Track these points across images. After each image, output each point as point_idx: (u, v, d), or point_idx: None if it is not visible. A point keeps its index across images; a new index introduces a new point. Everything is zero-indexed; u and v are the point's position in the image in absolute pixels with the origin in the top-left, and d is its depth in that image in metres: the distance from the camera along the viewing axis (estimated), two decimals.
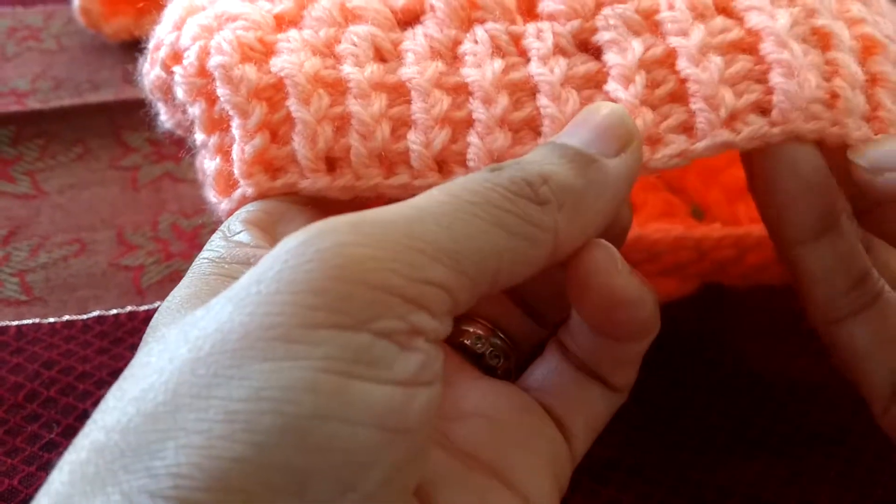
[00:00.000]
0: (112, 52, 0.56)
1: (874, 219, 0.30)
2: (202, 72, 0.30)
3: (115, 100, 0.53)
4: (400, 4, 0.30)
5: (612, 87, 0.28)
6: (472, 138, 0.28)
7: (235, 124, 0.29)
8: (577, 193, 0.24)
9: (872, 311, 0.30)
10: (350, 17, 0.30)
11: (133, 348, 0.38)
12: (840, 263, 0.30)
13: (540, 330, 0.31)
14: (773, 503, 0.33)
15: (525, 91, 0.28)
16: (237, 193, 0.29)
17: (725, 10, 0.29)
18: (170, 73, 0.31)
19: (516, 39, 0.29)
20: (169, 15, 0.32)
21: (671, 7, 0.28)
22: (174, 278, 0.42)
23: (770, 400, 0.37)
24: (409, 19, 0.30)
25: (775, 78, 0.28)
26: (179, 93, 0.31)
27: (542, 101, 0.28)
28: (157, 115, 0.35)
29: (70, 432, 0.35)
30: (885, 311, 0.30)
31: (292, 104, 0.28)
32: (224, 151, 0.30)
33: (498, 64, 0.28)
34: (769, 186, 0.29)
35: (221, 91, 0.29)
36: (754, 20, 0.28)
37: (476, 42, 0.29)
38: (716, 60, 0.28)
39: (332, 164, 0.29)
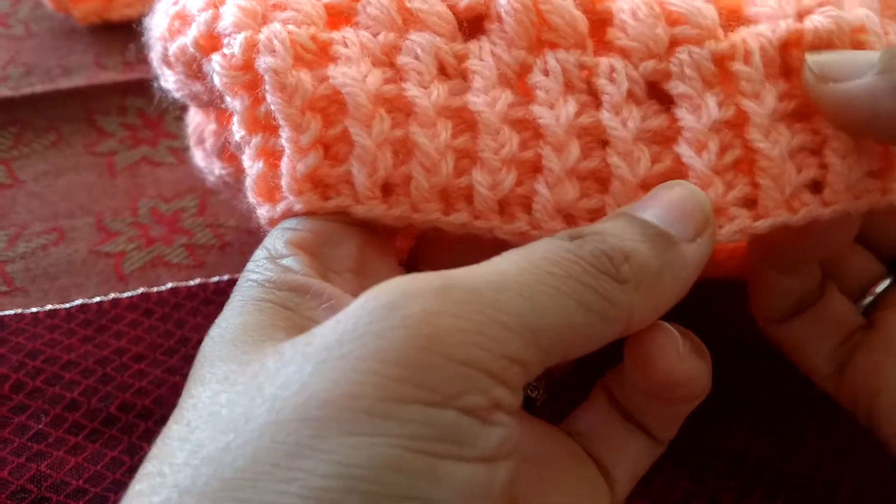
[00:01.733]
0: (82, 35, 0.55)
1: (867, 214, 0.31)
2: (248, 66, 0.28)
3: (88, 84, 0.52)
4: (463, 4, 0.28)
5: (684, 150, 0.27)
6: (541, 188, 0.27)
7: (286, 136, 0.27)
8: (655, 276, 0.24)
9: (810, 311, 0.32)
10: (409, 18, 0.28)
11: (117, 336, 0.38)
12: (799, 286, 0.32)
13: (571, 363, 0.31)
14: (780, 469, 0.34)
15: (594, 138, 0.27)
16: (282, 205, 0.28)
17: (786, 66, 0.28)
18: (204, 53, 0.29)
19: (588, 74, 0.28)
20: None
21: (747, 59, 0.27)
22: (156, 264, 0.42)
23: (752, 369, 0.37)
24: (472, 21, 0.28)
25: (830, 156, 0.27)
26: (217, 80, 0.28)
27: (614, 159, 0.27)
28: (154, 79, 0.34)
29: (58, 422, 0.35)
30: (823, 309, 0.32)
31: (352, 125, 0.27)
32: (268, 155, 0.28)
33: (572, 107, 0.27)
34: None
35: (272, 98, 0.27)
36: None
37: (547, 74, 0.27)
38: (785, 134, 0.27)
39: (387, 189, 0.28)
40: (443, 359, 0.20)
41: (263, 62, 0.27)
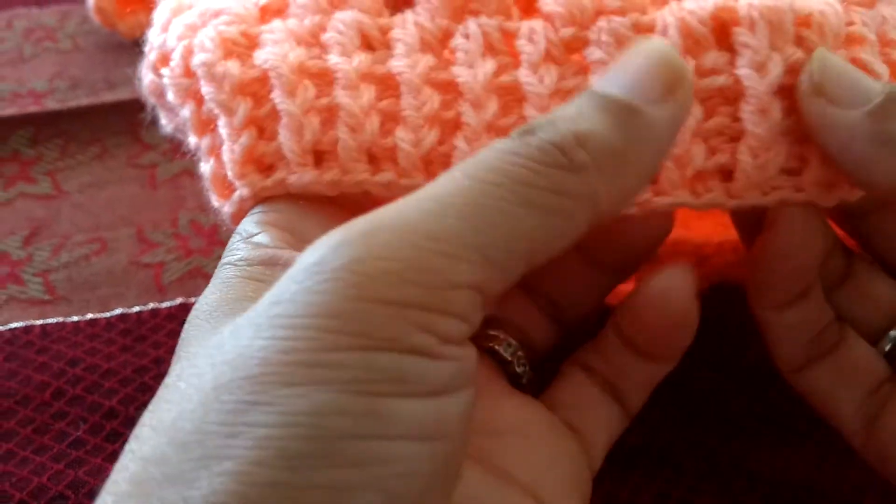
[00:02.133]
0: (128, 49, 0.56)
1: (871, 224, 0.30)
2: (188, 72, 0.29)
3: (132, 98, 0.52)
4: None
5: None
6: (460, 142, 0.27)
7: (222, 123, 0.28)
8: (618, 152, 0.22)
9: (833, 355, 0.30)
10: (336, 2, 0.29)
11: (156, 346, 0.39)
12: (804, 323, 0.29)
13: (559, 337, 0.31)
14: (801, 487, 0.33)
15: (514, 96, 0.27)
16: (235, 196, 0.29)
17: (723, 41, 0.26)
18: (160, 76, 0.30)
19: (509, 38, 0.28)
20: (158, 17, 0.31)
21: (665, 31, 0.26)
22: (194, 275, 0.43)
23: None
24: (403, 1, 0.29)
25: (742, 152, 0.26)
26: (170, 95, 0.30)
27: (530, 111, 0.27)
28: (158, 119, 0.35)
29: (97, 429, 0.35)
30: (846, 352, 0.30)
31: (277, 96, 0.28)
32: (216, 153, 0.29)
33: (490, 65, 0.27)
34: (767, 258, 0.28)
35: (205, 89, 0.28)
36: (742, 70, 0.26)
37: (468, 37, 0.28)
38: (696, 113, 0.26)
39: (319, 158, 0.28)
40: (374, 304, 0.20)
41: (195, 59, 0.28)
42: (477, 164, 0.22)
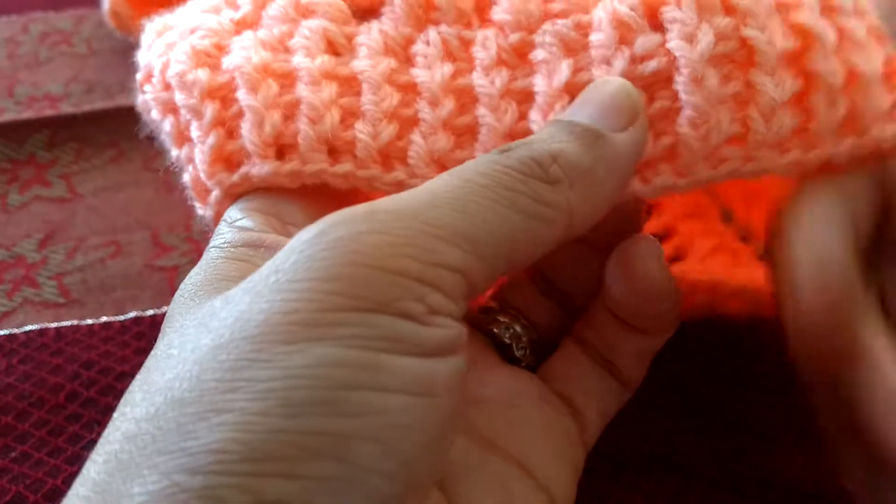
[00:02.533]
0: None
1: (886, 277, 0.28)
2: (167, 86, 0.30)
3: None
4: None
5: (533, 115, 0.28)
6: (416, 137, 0.28)
7: (194, 127, 0.29)
8: (587, 170, 0.24)
9: None
10: (304, 12, 0.30)
11: None
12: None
13: (565, 322, 0.31)
14: (816, 496, 0.32)
15: (470, 98, 0.28)
16: (211, 197, 0.29)
17: (654, 22, 0.27)
18: (144, 92, 0.32)
19: (467, 45, 0.29)
20: (144, 38, 0.32)
21: (599, 27, 0.27)
22: None
23: None
24: (367, 12, 0.30)
25: (681, 126, 0.26)
26: (154, 113, 0.31)
27: (482, 111, 0.28)
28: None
29: None
30: None
31: (241, 94, 0.28)
32: (193, 160, 0.30)
33: (447, 68, 0.28)
34: (791, 279, 0.26)
35: (178, 97, 0.29)
36: (673, 43, 0.26)
37: (428, 44, 0.29)
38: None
39: (283, 153, 0.29)
40: (373, 270, 0.21)
41: (170, 72, 0.29)
42: (466, 169, 0.24)
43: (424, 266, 0.21)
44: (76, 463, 0.35)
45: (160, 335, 0.25)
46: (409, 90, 0.29)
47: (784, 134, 0.26)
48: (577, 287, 0.31)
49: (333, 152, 0.29)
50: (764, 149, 0.26)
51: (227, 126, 0.29)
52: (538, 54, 0.28)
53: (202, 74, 0.29)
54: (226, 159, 0.29)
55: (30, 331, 0.40)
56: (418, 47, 0.29)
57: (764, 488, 0.33)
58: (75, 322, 0.41)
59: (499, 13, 0.28)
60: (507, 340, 0.30)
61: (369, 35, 0.29)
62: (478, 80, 0.28)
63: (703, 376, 0.36)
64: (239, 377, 0.20)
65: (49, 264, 0.44)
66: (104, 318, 0.41)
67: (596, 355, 0.30)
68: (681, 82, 0.26)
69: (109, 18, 0.56)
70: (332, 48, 0.29)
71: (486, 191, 0.23)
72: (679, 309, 0.29)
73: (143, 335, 0.40)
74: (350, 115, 0.29)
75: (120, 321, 0.41)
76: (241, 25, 0.30)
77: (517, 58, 0.28)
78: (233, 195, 0.29)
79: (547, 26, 0.28)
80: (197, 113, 0.29)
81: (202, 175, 0.29)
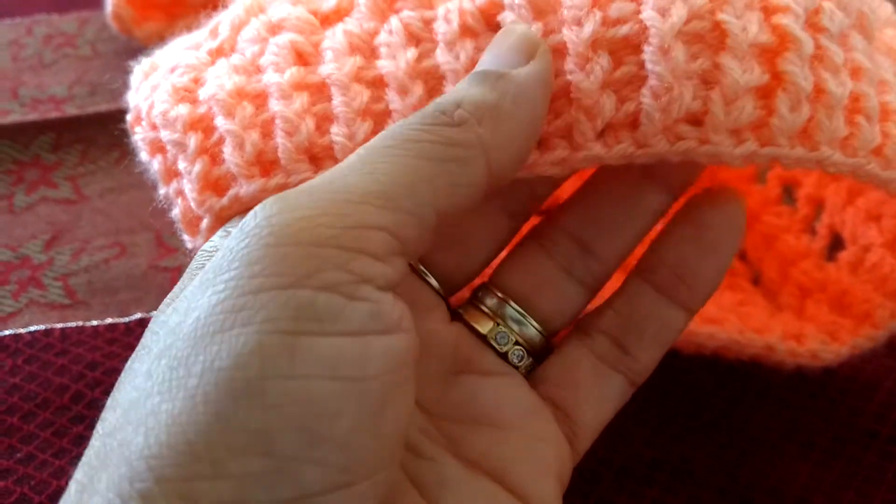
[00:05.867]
0: (145, 56, 0.57)
1: None
2: (153, 126, 0.30)
3: None
4: (326, 7, 0.30)
5: None
6: None
7: (180, 160, 0.30)
8: (493, 105, 0.25)
9: None
10: (275, 29, 0.30)
11: None
12: None
13: (578, 306, 0.30)
14: None
15: (438, 79, 0.28)
16: (202, 225, 0.30)
17: None
18: (135, 134, 0.32)
19: (429, 24, 0.28)
20: (133, 80, 0.33)
21: None
22: None
23: (822, 398, 0.36)
24: (336, 18, 0.30)
25: (644, 95, 0.26)
26: (143, 155, 0.31)
27: (448, 88, 0.28)
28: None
29: None
30: None
31: (219, 120, 0.29)
32: (181, 193, 0.30)
33: (411, 53, 0.28)
34: None
35: (163, 135, 0.30)
36: (646, 13, 0.26)
37: (391, 33, 0.29)
38: (602, 61, 0.27)
39: (268, 170, 0.29)
40: (290, 246, 0.21)
41: (154, 112, 0.30)
42: (372, 139, 0.24)
43: (341, 230, 0.21)
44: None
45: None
46: (378, 84, 0.29)
47: (743, 122, 0.26)
48: (614, 252, 0.30)
49: (315, 160, 0.28)
50: (721, 133, 0.26)
51: (210, 153, 0.29)
52: (506, 17, 0.27)
53: (183, 109, 0.29)
54: (214, 185, 0.29)
55: (35, 331, 0.40)
56: (381, 37, 0.29)
57: (772, 498, 0.32)
58: (80, 323, 0.41)
59: None
60: (502, 349, 0.29)
61: (334, 38, 0.29)
62: (442, 57, 0.28)
63: (710, 384, 0.36)
64: (172, 377, 0.21)
65: (55, 265, 0.44)
66: (109, 320, 0.41)
67: (605, 347, 0.29)
68: (648, 52, 0.26)
69: (112, 21, 0.57)
70: (302, 59, 0.29)
71: (393, 149, 0.23)
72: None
73: None
74: (325, 121, 0.29)
75: (125, 323, 0.41)
76: (217, 54, 0.31)
77: (485, 24, 0.28)
78: (223, 219, 0.29)
79: None
80: (181, 146, 0.29)
81: (192, 204, 0.29)
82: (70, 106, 0.53)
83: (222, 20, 0.31)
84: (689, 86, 0.26)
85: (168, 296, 0.26)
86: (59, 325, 0.41)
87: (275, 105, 0.28)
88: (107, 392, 0.37)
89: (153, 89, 0.31)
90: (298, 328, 0.20)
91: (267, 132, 0.29)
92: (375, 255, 0.22)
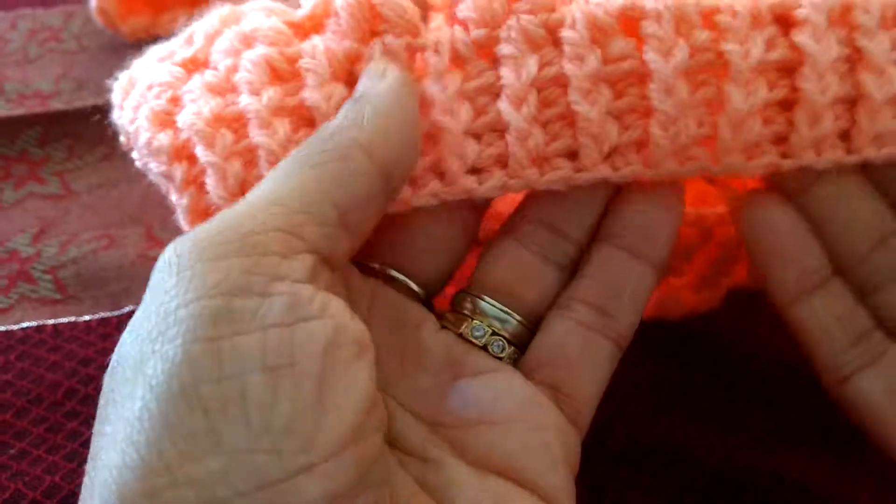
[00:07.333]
0: (131, 51, 0.56)
1: (889, 250, 0.30)
2: (142, 154, 0.31)
3: None
4: (301, 15, 0.30)
5: (503, 105, 0.28)
6: None
7: (170, 191, 0.30)
8: (358, 113, 0.27)
9: (882, 364, 0.30)
10: (248, 42, 0.29)
11: None
12: (836, 321, 0.30)
13: (558, 289, 0.31)
14: (820, 492, 0.32)
15: (424, 105, 0.29)
16: None
17: (630, 29, 0.28)
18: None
19: (413, 53, 0.29)
20: (115, 97, 0.33)
21: (573, 25, 0.28)
22: None
23: (818, 386, 0.36)
24: (313, 27, 0.30)
25: (653, 126, 0.28)
26: (154, 177, 0.31)
27: (438, 115, 0.28)
28: None
29: None
30: (893, 366, 0.30)
31: (198, 150, 0.29)
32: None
33: None
34: (751, 248, 0.30)
35: (151, 166, 0.30)
36: (648, 55, 0.27)
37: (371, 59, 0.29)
38: (605, 94, 0.28)
39: None
40: (200, 262, 0.23)
41: (139, 142, 0.30)
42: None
43: (242, 239, 0.23)
44: (74, 460, 0.35)
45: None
46: None
47: (752, 141, 0.28)
48: (583, 229, 0.31)
49: None
50: (733, 153, 0.28)
51: (196, 183, 0.29)
52: (504, 48, 0.28)
53: (164, 138, 0.29)
54: (203, 214, 0.29)
55: (27, 327, 0.40)
56: (363, 66, 0.29)
57: (768, 484, 0.33)
58: (73, 319, 0.41)
59: (463, 11, 0.29)
60: (481, 342, 0.30)
61: (314, 57, 0.29)
62: (431, 87, 0.28)
63: (706, 370, 0.36)
64: (116, 409, 0.22)
65: (43, 257, 0.44)
66: (101, 314, 0.41)
67: (588, 315, 0.30)
68: (653, 90, 0.27)
69: (97, 16, 0.56)
70: (277, 75, 0.29)
71: (280, 168, 0.26)
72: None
73: None
74: None
75: (116, 317, 0.41)
76: (192, 65, 0.30)
77: (477, 54, 0.28)
78: None
79: (512, 21, 0.28)
80: (170, 178, 0.30)
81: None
82: (56, 101, 0.53)
83: (197, 29, 0.31)
84: (693, 115, 0.27)
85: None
86: (52, 322, 0.41)
87: (256, 135, 0.28)
88: (100, 388, 0.37)
89: (135, 110, 0.31)
90: (218, 333, 0.22)
91: (249, 161, 0.29)
92: (279, 254, 0.23)
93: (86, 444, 0.35)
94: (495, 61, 0.29)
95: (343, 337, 0.23)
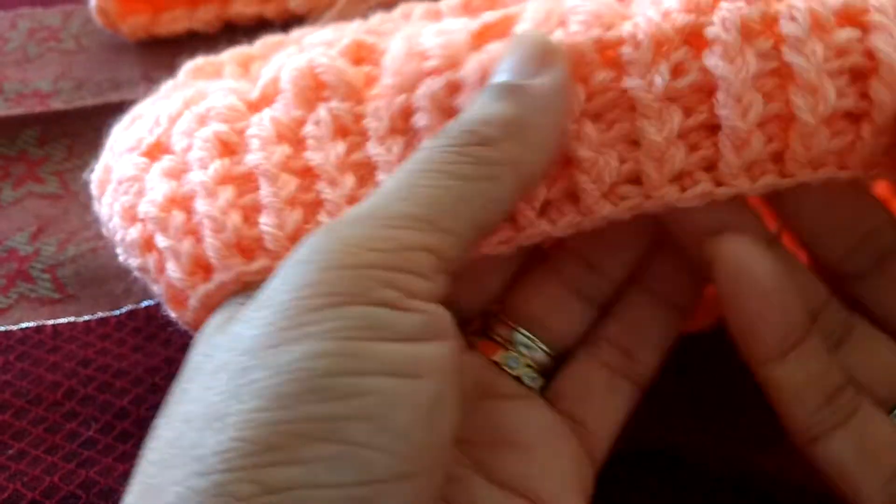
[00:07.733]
0: (131, 50, 0.57)
1: (868, 286, 0.30)
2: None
3: (136, 98, 0.53)
4: (254, 95, 0.30)
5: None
6: (323, 218, 0.28)
7: (148, 282, 0.31)
8: (517, 120, 0.25)
9: (852, 424, 0.29)
10: (203, 121, 0.30)
11: (166, 344, 0.39)
12: (810, 382, 0.29)
13: (587, 324, 0.31)
14: (823, 495, 0.31)
15: (369, 169, 0.28)
16: (190, 302, 0.30)
17: (694, 36, 0.27)
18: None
19: (358, 119, 0.29)
20: (92, 190, 0.34)
21: (632, 40, 0.26)
22: None
23: None
24: (265, 102, 0.30)
25: (723, 142, 0.26)
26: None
27: (382, 177, 0.28)
28: None
29: (108, 429, 0.36)
30: (865, 422, 0.29)
31: (157, 238, 0.29)
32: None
33: (341, 147, 0.29)
34: (728, 304, 0.28)
35: (130, 262, 0.31)
36: (712, 61, 0.26)
37: (318, 123, 0.29)
38: (675, 115, 0.26)
39: (208, 271, 0.29)
40: (341, 270, 0.23)
41: (117, 237, 0.31)
42: (406, 163, 0.26)
43: (388, 254, 0.23)
44: (73, 460, 0.35)
45: (184, 365, 0.26)
46: (307, 174, 0.29)
47: (822, 152, 0.27)
48: (620, 268, 0.31)
49: (247, 251, 0.28)
50: (804, 168, 0.27)
51: (195, 235, 0.29)
52: (418, 120, 0.28)
53: (134, 232, 0.30)
54: (202, 267, 0.29)
55: (26, 328, 0.40)
56: (308, 129, 0.29)
57: (771, 487, 0.33)
58: (72, 319, 0.41)
59: (386, 79, 0.28)
60: (514, 372, 0.30)
61: (260, 125, 0.29)
62: (374, 150, 0.28)
63: (707, 371, 0.36)
64: (235, 384, 0.22)
65: (41, 256, 0.44)
66: (100, 314, 0.41)
67: (613, 356, 0.30)
68: (721, 102, 0.26)
69: (96, 15, 0.56)
70: (228, 148, 0.29)
71: (428, 173, 0.25)
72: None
73: (140, 331, 0.40)
74: (254, 212, 0.29)
75: (115, 317, 0.41)
76: (156, 151, 0.31)
77: (403, 124, 0.28)
78: (196, 322, 0.29)
79: (422, 88, 0.28)
80: (145, 271, 0.31)
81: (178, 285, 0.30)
82: (55, 100, 0.53)
83: (162, 112, 0.31)
84: (761, 131, 0.26)
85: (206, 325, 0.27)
86: (51, 322, 0.41)
87: (200, 205, 0.29)
88: (99, 388, 0.37)
89: (110, 207, 0.31)
90: (360, 335, 0.22)
91: (197, 235, 0.29)
92: (420, 274, 0.23)
93: (85, 445, 0.35)
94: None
95: (457, 359, 0.24)
